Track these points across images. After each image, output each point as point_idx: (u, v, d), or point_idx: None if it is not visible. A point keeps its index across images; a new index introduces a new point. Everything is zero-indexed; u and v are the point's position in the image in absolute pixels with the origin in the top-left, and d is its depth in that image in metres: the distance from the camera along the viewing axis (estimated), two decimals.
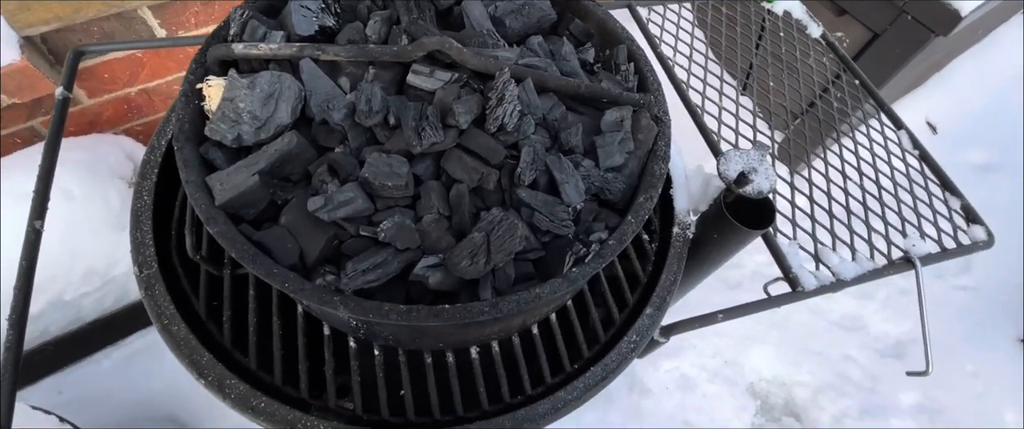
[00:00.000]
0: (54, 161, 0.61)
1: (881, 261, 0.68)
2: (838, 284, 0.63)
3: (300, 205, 0.44)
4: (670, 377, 1.53)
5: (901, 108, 2.35)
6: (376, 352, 0.52)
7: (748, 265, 1.73)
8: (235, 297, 0.53)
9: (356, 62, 0.49)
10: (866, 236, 0.70)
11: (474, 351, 0.54)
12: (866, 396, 1.58)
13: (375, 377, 0.51)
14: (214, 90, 0.48)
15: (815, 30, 0.92)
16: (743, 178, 0.59)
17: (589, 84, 0.51)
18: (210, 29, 1.29)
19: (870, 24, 1.54)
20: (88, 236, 1.10)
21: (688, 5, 0.94)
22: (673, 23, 0.90)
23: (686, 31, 0.89)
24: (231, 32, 0.50)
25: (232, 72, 0.46)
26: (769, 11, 0.94)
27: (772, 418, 1.59)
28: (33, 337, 1.14)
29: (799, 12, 0.94)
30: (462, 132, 0.46)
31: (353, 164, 0.46)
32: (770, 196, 0.60)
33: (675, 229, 0.63)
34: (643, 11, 0.89)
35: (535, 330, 0.56)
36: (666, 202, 0.67)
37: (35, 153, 1.18)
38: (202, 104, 0.48)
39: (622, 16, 0.89)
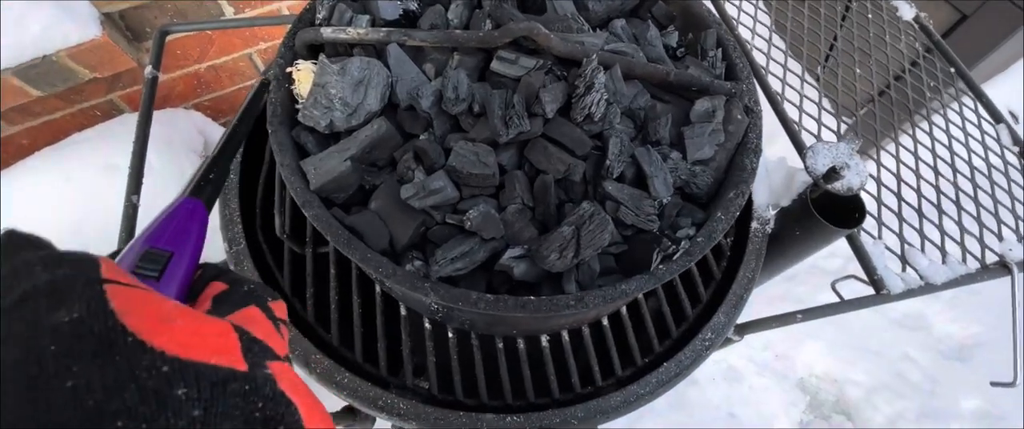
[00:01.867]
0: (146, 138, 0.64)
1: (974, 265, 0.64)
2: (927, 288, 0.60)
3: (388, 191, 0.44)
4: (718, 368, 1.51)
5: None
6: (450, 334, 0.53)
7: (811, 263, 1.66)
8: (317, 274, 0.56)
9: (441, 48, 0.49)
10: (958, 238, 0.66)
11: (544, 339, 0.54)
12: (925, 399, 1.51)
13: (449, 359, 0.52)
14: (303, 74, 0.49)
15: (907, 11, 0.85)
16: (832, 173, 0.56)
17: (678, 71, 0.49)
18: (274, 6, 1.31)
19: (958, 5, 1.42)
20: (163, 207, 1.16)
21: None
22: (751, 3, 0.85)
23: (764, 11, 0.85)
24: (319, 16, 0.50)
25: (323, 57, 0.47)
26: None
27: (821, 415, 1.55)
28: None
29: None
30: (547, 121, 0.45)
31: (438, 152, 0.46)
32: (860, 193, 0.57)
33: (753, 224, 0.61)
34: None
35: (605, 322, 0.55)
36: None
37: (115, 125, 1.25)
38: (292, 88, 0.49)
39: None
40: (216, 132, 1.44)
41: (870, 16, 0.85)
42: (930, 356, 1.59)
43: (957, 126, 0.75)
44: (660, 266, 0.42)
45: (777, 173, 0.63)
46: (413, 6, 0.52)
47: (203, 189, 0.30)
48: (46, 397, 0.14)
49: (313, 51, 0.52)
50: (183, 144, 1.22)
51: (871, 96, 0.77)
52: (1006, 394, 1.52)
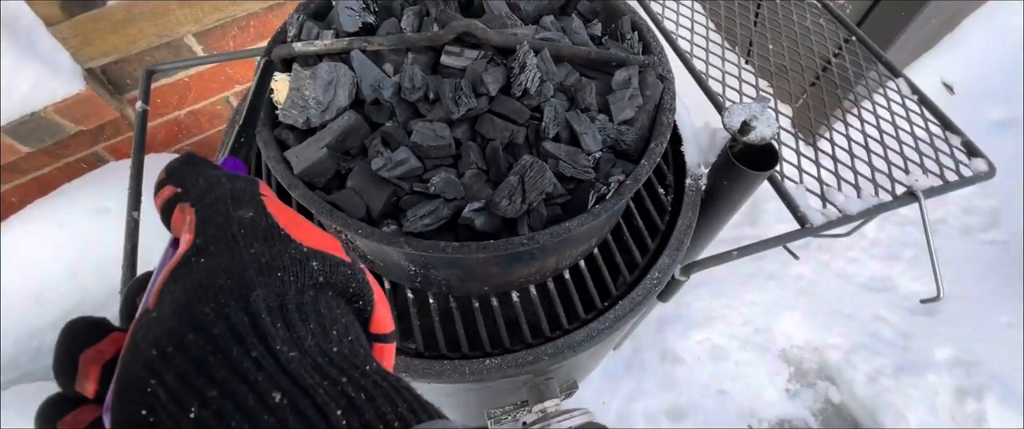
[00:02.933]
0: (142, 161, 0.71)
1: (886, 197, 0.73)
2: (844, 219, 0.68)
3: (361, 171, 0.52)
4: (702, 347, 1.57)
5: (915, 71, 2.35)
6: (430, 300, 0.60)
7: (771, 232, 1.76)
8: None
9: (396, 49, 0.57)
10: (870, 176, 0.75)
11: (515, 295, 0.61)
12: (899, 354, 1.59)
13: (432, 321, 0.59)
14: (280, 84, 0.57)
15: None
16: (746, 127, 0.65)
17: (599, 50, 0.58)
18: (248, 49, 1.40)
19: None
20: (154, 242, 1.21)
21: None
22: (674, 0, 0.96)
23: (687, 6, 0.96)
24: (290, 34, 0.59)
25: (296, 66, 0.55)
26: None
27: (807, 383, 1.62)
28: None
29: None
30: (492, 99, 0.54)
31: (402, 135, 0.54)
32: (773, 142, 0.66)
33: (688, 180, 0.69)
34: None
35: (567, 275, 0.63)
36: (678, 158, 0.73)
37: (102, 173, 1.31)
38: (271, 97, 0.57)
39: None
40: None
41: (778, 1, 0.97)
42: (899, 314, 1.68)
43: (863, 87, 0.86)
44: (596, 205, 0.50)
45: (703, 135, 0.72)
46: (371, 19, 0.61)
47: (239, 150, 0.38)
48: (239, 255, 0.23)
49: (287, 65, 0.60)
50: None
51: (803, 88, 0.88)
52: (976, 339, 1.61)
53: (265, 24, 1.37)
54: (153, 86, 1.34)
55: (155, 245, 1.11)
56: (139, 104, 0.76)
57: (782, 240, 0.67)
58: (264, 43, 1.43)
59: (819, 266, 1.75)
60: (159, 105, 1.38)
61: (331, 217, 0.47)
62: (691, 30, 0.92)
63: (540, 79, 0.54)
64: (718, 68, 0.86)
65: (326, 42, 0.56)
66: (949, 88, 2.50)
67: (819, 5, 0.96)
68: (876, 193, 0.73)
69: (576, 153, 0.52)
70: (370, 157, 0.54)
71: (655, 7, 0.94)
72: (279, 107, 0.56)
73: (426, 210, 0.49)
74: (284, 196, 0.64)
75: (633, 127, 0.57)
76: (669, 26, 0.92)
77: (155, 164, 1.36)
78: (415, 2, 0.64)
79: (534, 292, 0.61)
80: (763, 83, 0.86)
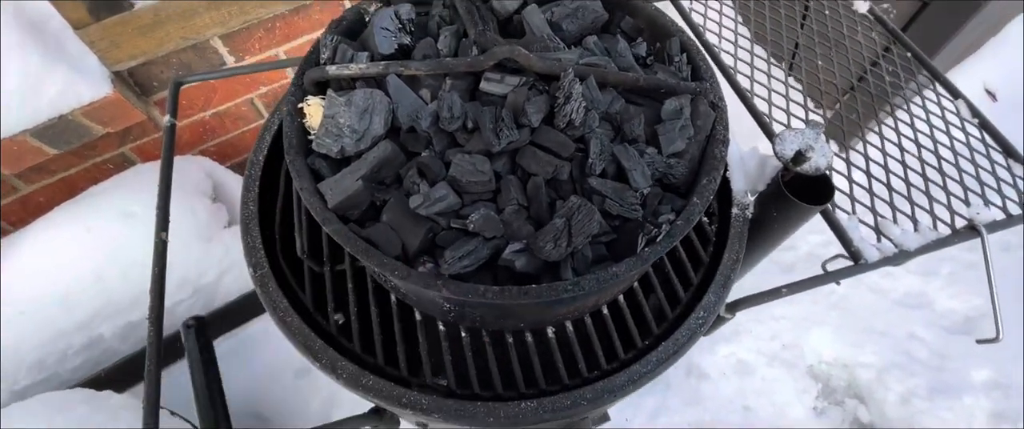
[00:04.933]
0: (170, 181, 0.70)
1: (945, 231, 0.68)
2: (901, 255, 0.64)
3: (397, 204, 0.49)
4: (727, 362, 1.53)
5: (957, 76, 2.25)
6: (463, 334, 0.58)
7: (802, 247, 1.71)
8: (336, 289, 0.60)
9: (434, 75, 0.54)
10: (928, 207, 0.71)
11: (550, 331, 0.58)
12: (934, 375, 1.53)
13: (464, 356, 0.57)
14: (313, 109, 0.54)
15: (861, 5, 0.92)
16: (800, 156, 0.61)
17: (647, 76, 0.55)
18: (272, 52, 1.39)
19: None
20: (180, 249, 1.21)
21: None
22: (716, 11, 0.92)
23: (729, 17, 0.91)
24: (323, 56, 0.56)
25: (331, 92, 0.52)
26: None
27: (835, 401, 1.57)
28: (135, 343, 1.26)
29: None
30: (534, 130, 0.51)
31: (439, 166, 0.51)
32: (827, 172, 0.62)
33: (734, 210, 0.66)
34: (685, 2, 0.91)
35: (605, 311, 0.60)
36: (723, 184, 0.69)
37: (128, 176, 1.31)
38: (303, 121, 0.55)
39: (665, 9, 0.92)
40: (224, 174, 1.50)
41: (827, 12, 0.91)
42: (935, 332, 1.61)
43: (918, 106, 0.81)
44: (645, 248, 0.47)
45: (751, 161, 0.68)
46: (407, 40, 0.59)
47: None
48: None
49: (320, 88, 0.57)
50: (194, 188, 1.28)
51: (842, 91, 0.83)
52: (1014, 361, 1.54)
53: (291, 26, 1.36)
54: (184, 87, 1.34)
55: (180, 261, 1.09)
56: (167, 118, 0.74)
57: (834, 277, 0.63)
58: (289, 45, 1.41)
59: (852, 280, 1.68)
60: (185, 106, 1.38)
61: (367, 256, 0.45)
62: (735, 44, 0.88)
63: (585, 109, 0.51)
64: (764, 85, 0.82)
65: (361, 66, 0.54)
66: (992, 95, 2.39)
67: (871, 17, 0.91)
68: (934, 225, 0.69)
69: (623, 190, 0.49)
70: (406, 189, 0.51)
71: (696, 17, 0.90)
72: (312, 133, 0.54)
73: (465, 250, 0.46)
74: (316, 228, 0.62)
75: (683, 159, 0.53)
76: (710, 38, 0.88)
77: (180, 165, 1.35)
78: (452, 21, 0.61)
79: (570, 329, 0.58)
80: (811, 101, 0.81)
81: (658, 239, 0.47)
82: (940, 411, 1.47)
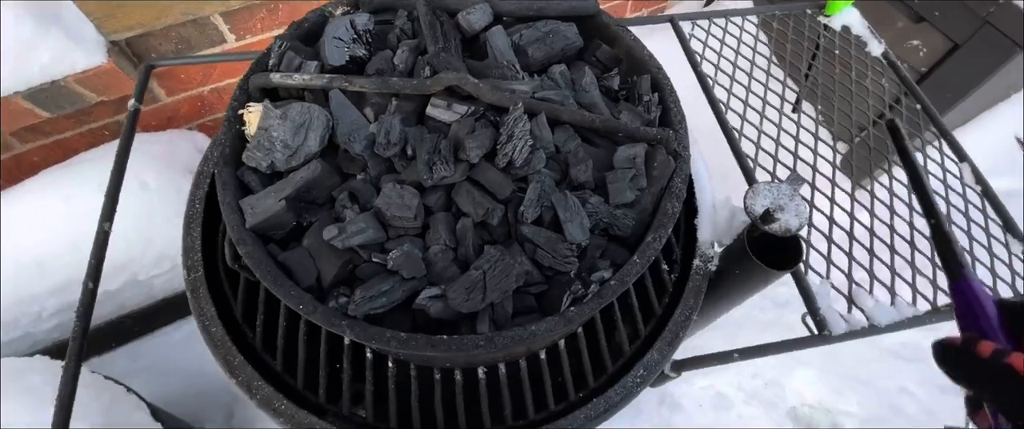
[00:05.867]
0: (123, 169, 0.69)
1: (924, 306, 0.64)
2: (870, 330, 0.60)
3: (321, 230, 0.47)
4: (705, 394, 1.49)
5: (987, 122, 2.13)
6: (390, 364, 0.55)
7: (778, 292, 1.65)
8: (268, 303, 0.58)
9: (381, 93, 0.51)
10: (910, 279, 0.66)
11: (481, 371, 0.56)
12: None
13: (387, 388, 0.54)
14: (254, 116, 0.52)
15: (876, 48, 0.86)
16: (769, 214, 0.57)
17: (604, 118, 0.51)
18: (276, 33, 1.37)
19: (950, 33, 1.41)
20: (162, 224, 1.21)
21: (736, 20, 0.90)
22: (718, 39, 0.87)
23: (731, 48, 0.86)
24: (271, 61, 0.54)
25: (266, 102, 0.50)
26: (826, 26, 0.89)
27: None
28: (112, 310, 1.27)
29: (859, 27, 0.88)
30: (473, 166, 0.48)
31: (371, 192, 0.48)
32: (798, 234, 0.58)
33: (696, 261, 0.62)
34: (686, 26, 0.86)
35: (543, 355, 0.57)
36: (691, 232, 0.66)
37: (111, 150, 1.31)
38: (243, 128, 0.52)
39: (664, 31, 0.87)
40: None
41: (837, 53, 0.86)
42: (928, 389, 1.54)
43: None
44: (571, 308, 0.43)
45: (722, 211, 0.64)
46: (362, 52, 0.56)
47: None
48: None
49: (268, 94, 0.55)
50: (181, 164, 1.28)
51: (849, 138, 0.78)
52: None
53: (294, 9, 1.33)
54: (177, 62, 1.33)
55: (134, 246, 1.08)
56: (131, 102, 0.73)
57: (791, 346, 0.59)
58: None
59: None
60: (183, 81, 1.37)
61: (274, 286, 0.43)
62: (731, 76, 0.83)
63: (530, 148, 0.48)
64: (755, 126, 0.77)
65: (305, 77, 0.51)
66: (1022, 144, 2.27)
67: (884, 62, 0.85)
68: (914, 300, 0.64)
69: (557, 241, 0.46)
70: (335, 214, 0.49)
71: (695, 45, 0.85)
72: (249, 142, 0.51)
73: (378, 290, 0.43)
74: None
75: (633, 211, 0.50)
76: (707, 69, 0.83)
77: (179, 140, 1.34)
78: (414, 35, 0.58)
79: (503, 371, 0.55)
80: (804, 151, 0.76)
81: (585, 300, 0.43)
82: None
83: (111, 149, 1.30)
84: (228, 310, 0.59)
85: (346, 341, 0.56)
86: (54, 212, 1.09)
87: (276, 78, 0.52)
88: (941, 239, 0.41)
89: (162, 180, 1.24)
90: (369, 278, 0.46)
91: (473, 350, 0.41)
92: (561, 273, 0.46)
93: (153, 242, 1.22)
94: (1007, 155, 2.32)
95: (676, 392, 1.45)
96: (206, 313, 0.56)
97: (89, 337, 1.26)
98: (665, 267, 0.63)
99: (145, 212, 1.19)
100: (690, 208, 0.66)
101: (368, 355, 0.56)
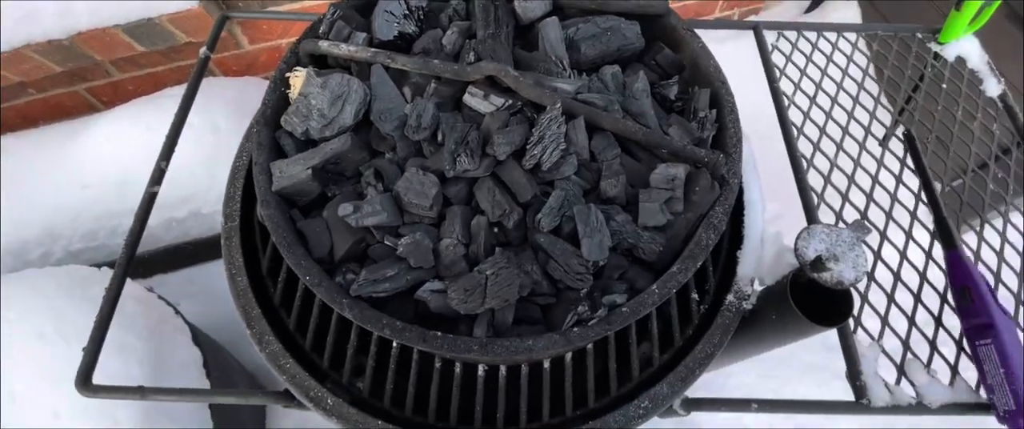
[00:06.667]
0: (188, 111, 0.73)
1: (986, 396, 0.55)
2: (917, 408, 0.53)
3: (341, 202, 0.47)
4: (728, 425, 1.42)
5: None
6: (395, 344, 0.56)
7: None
8: None
9: (422, 73, 0.50)
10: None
11: (482, 369, 0.55)
12: None
13: (387, 367, 0.55)
14: (298, 80, 0.52)
15: (994, 87, 0.75)
16: (821, 262, 0.51)
17: (648, 130, 0.47)
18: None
19: None
20: (226, 165, 1.29)
21: (830, 35, 0.81)
22: (804, 55, 0.79)
23: (818, 67, 0.78)
24: (321, 28, 0.54)
25: (310, 69, 0.50)
26: (937, 55, 0.78)
27: None
28: (177, 236, 1.38)
29: (977, 60, 0.77)
30: (500, 162, 0.46)
31: (396, 173, 0.48)
32: (851, 289, 0.52)
33: (729, 297, 0.57)
34: (771, 36, 0.79)
35: (546, 365, 0.55)
36: (732, 263, 0.61)
37: (201, 86, 1.40)
38: (287, 91, 0.53)
39: (747, 38, 0.80)
40: None
41: (945, 86, 0.75)
42: None
43: (1018, 229, 0.65)
44: (574, 329, 0.41)
45: (770, 246, 0.59)
46: (412, 29, 0.55)
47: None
48: None
49: (319, 61, 0.55)
50: (252, 109, 1.35)
51: (944, 186, 0.69)
52: None
53: None
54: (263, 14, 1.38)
55: (200, 182, 1.14)
56: (202, 49, 0.76)
57: (821, 409, 0.54)
58: None
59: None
60: (264, 31, 1.43)
61: (286, 251, 0.44)
62: (812, 98, 0.75)
63: (561, 152, 0.45)
64: (829, 158, 0.69)
65: (351, 48, 0.51)
66: None
67: (999, 105, 0.74)
68: (978, 387, 0.56)
69: (571, 255, 0.43)
70: (359, 189, 0.49)
71: (777, 57, 0.77)
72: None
73: (383, 274, 0.43)
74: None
75: (663, 235, 0.46)
76: (786, 86, 0.75)
77: (252, 87, 1.41)
78: (467, 16, 0.56)
79: (503, 373, 0.54)
80: (881, 194, 0.68)
81: (590, 322, 0.41)
82: None
83: (205, 85, 1.38)
84: (256, 262, 0.61)
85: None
86: (137, 141, 1.18)
87: (324, 46, 0.52)
88: (938, 214, 0.58)
89: (232, 124, 1.32)
90: (381, 259, 0.46)
91: (466, 353, 0.40)
92: (570, 289, 0.44)
93: (217, 180, 1.30)
94: None
95: (698, 416, 1.39)
96: (235, 262, 0.59)
97: (156, 257, 1.36)
98: (695, 296, 0.59)
99: (214, 152, 1.27)
100: (736, 235, 0.61)
101: (375, 333, 0.56)
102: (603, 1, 0.55)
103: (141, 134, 1.19)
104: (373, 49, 0.51)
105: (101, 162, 1.22)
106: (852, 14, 1.72)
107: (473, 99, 0.48)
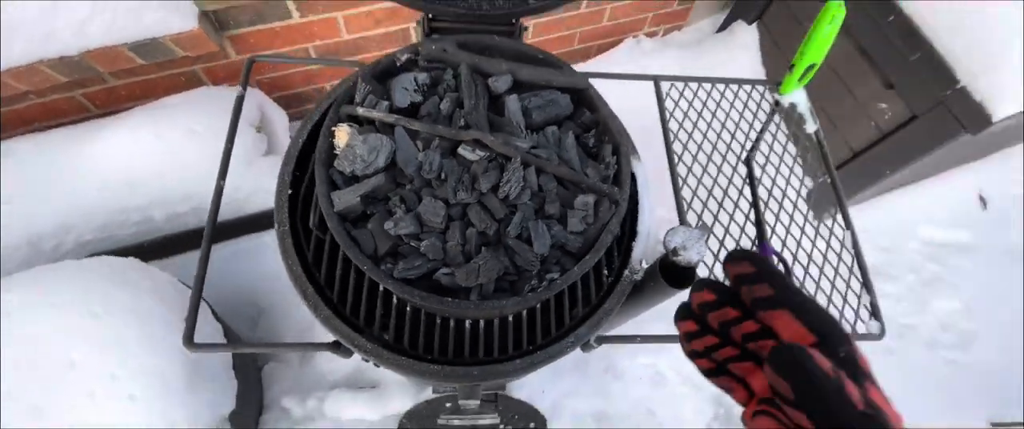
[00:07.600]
0: (233, 141, 0.95)
1: None
2: None
3: (379, 219, 0.74)
4: (645, 371, 1.80)
5: (953, 178, 2.36)
6: (408, 309, 0.83)
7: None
8: (330, 255, 0.86)
9: (428, 134, 0.77)
10: None
11: (467, 323, 0.84)
12: None
13: (404, 323, 0.82)
14: (342, 133, 0.78)
15: (811, 126, 1.10)
16: (676, 249, 0.84)
17: (574, 172, 0.77)
18: (333, 15, 1.59)
19: (912, 105, 1.63)
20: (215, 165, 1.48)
21: (707, 86, 1.13)
22: (688, 101, 1.11)
23: (696, 110, 1.10)
24: (357, 98, 0.79)
25: (354, 128, 0.76)
26: (777, 102, 1.12)
27: (734, 425, 1.83)
28: (177, 227, 1.56)
29: (803, 107, 1.12)
30: (483, 194, 0.74)
31: (414, 199, 0.75)
32: (695, 267, 0.84)
33: (626, 272, 0.89)
34: (665, 86, 1.10)
35: (511, 318, 0.85)
36: (629, 250, 0.92)
37: (197, 95, 1.56)
38: (333, 140, 0.78)
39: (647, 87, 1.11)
40: (272, 108, 1.75)
41: (780, 124, 1.10)
42: None
43: (827, 227, 1.01)
44: (529, 293, 0.71)
45: (652, 240, 0.90)
46: (419, 99, 0.81)
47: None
48: None
49: (349, 119, 0.80)
50: (244, 118, 1.53)
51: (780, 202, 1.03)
52: None
53: None
54: (249, 29, 1.56)
55: (202, 181, 1.33)
56: (238, 89, 0.98)
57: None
58: (347, 12, 1.61)
59: None
60: (251, 44, 1.61)
61: (349, 249, 0.70)
62: (689, 133, 1.07)
63: (520, 187, 0.74)
64: (696, 177, 1.02)
65: (380, 114, 0.77)
66: (983, 202, 2.50)
67: (814, 140, 1.09)
68: None
69: (528, 251, 0.72)
70: (389, 208, 0.75)
71: (669, 103, 1.09)
72: (337, 151, 0.77)
73: (412, 264, 0.71)
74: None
75: (581, 236, 0.76)
76: (672, 125, 1.07)
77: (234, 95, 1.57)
78: (456, 89, 0.83)
79: (482, 325, 0.83)
80: (728, 203, 1.02)
81: (538, 289, 0.71)
82: None
83: (190, 97, 1.55)
84: (301, 256, 0.86)
85: (381, 289, 0.84)
86: (147, 146, 1.36)
87: (360, 111, 0.77)
88: (758, 218, 0.80)
89: (218, 130, 1.51)
90: (407, 255, 0.73)
91: (466, 310, 0.69)
92: (527, 271, 0.73)
93: (212, 179, 1.49)
94: (965, 209, 2.55)
95: (620, 365, 1.76)
96: (290, 255, 0.84)
97: (163, 242, 1.54)
98: (606, 272, 0.90)
99: (214, 154, 1.46)
100: (633, 231, 0.92)
101: (395, 301, 0.84)
102: (546, 79, 0.84)
103: (151, 140, 1.36)
104: (394, 115, 0.77)
105: (113, 166, 1.38)
106: (751, 39, 2.10)
107: (465, 151, 0.76)
